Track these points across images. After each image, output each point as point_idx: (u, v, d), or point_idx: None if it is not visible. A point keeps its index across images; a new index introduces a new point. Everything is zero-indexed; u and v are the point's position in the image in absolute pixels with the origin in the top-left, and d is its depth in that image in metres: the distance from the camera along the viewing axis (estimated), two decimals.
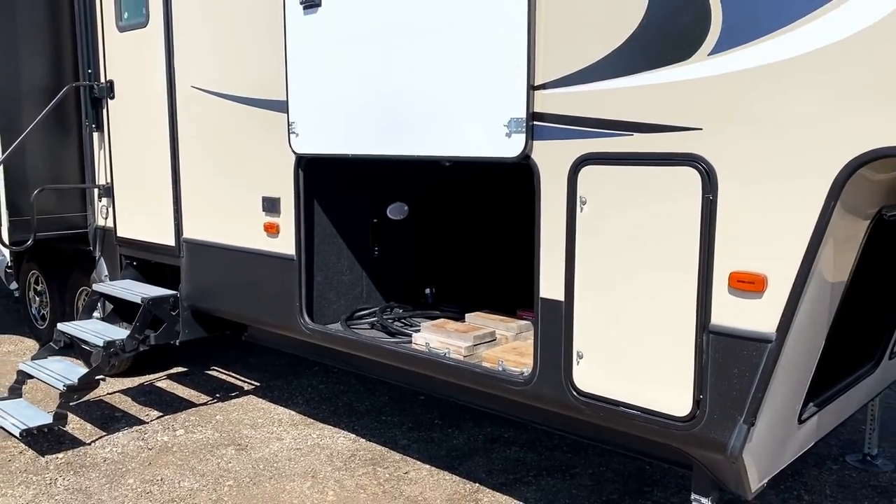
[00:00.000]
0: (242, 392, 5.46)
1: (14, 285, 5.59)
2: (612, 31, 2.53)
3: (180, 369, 5.92)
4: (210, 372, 5.91)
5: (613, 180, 2.60)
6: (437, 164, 3.99)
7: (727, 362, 2.40)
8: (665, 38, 2.42)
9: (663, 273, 2.50)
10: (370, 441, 4.58)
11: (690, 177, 2.40)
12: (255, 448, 4.49)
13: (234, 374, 5.85)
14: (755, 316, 2.32)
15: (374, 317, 4.05)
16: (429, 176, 4.37)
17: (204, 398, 5.33)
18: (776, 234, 2.25)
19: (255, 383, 5.64)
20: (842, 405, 3.26)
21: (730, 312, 2.38)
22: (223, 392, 5.46)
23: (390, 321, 3.93)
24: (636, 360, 2.61)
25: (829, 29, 2.10)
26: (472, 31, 2.92)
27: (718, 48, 2.31)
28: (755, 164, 2.27)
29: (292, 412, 5.06)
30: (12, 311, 7.63)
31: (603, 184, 2.63)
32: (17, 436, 4.32)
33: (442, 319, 3.78)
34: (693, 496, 2.79)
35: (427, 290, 4.37)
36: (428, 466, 4.25)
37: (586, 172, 2.67)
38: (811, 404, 2.91)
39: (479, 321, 3.70)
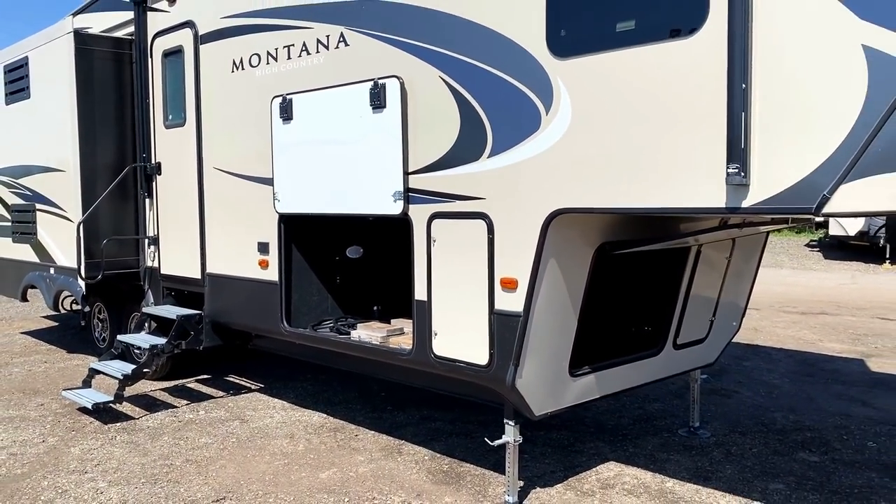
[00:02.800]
0: (250, 390, 7.30)
1: (87, 308, 7.62)
2: (443, 144, 4.40)
3: (205, 376, 7.80)
4: (227, 378, 7.77)
5: (448, 227, 4.44)
6: (374, 220, 5.84)
7: (503, 330, 4.18)
8: (467, 147, 4.28)
9: (471, 280, 4.31)
10: (336, 418, 6.37)
11: (481, 226, 4.23)
12: (254, 421, 6.30)
13: (245, 379, 7.71)
14: (513, 302, 4.11)
15: (333, 324, 5.89)
16: (374, 228, 6.24)
17: (221, 393, 7.18)
18: (519, 256, 4.06)
19: (260, 384, 7.48)
20: (625, 373, 4.97)
21: (503, 301, 4.17)
22: (235, 390, 7.31)
23: (342, 325, 5.76)
24: (461, 332, 4.41)
25: (538, 144, 3.95)
26: (376, 141, 4.81)
27: (491, 153, 4.16)
28: (511, 217, 4.10)
29: (284, 402, 6.88)
30: (79, 339, 9.68)
31: (443, 230, 4.47)
32: (90, 408, 6.21)
33: (373, 322, 5.61)
34: (505, 420, 4.53)
35: (375, 307, 6.18)
36: (373, 432, 6.02)
37: (436, 223, 4.51)
38: (586, 366, 4.65)
39: (397, 323, 5.52)
